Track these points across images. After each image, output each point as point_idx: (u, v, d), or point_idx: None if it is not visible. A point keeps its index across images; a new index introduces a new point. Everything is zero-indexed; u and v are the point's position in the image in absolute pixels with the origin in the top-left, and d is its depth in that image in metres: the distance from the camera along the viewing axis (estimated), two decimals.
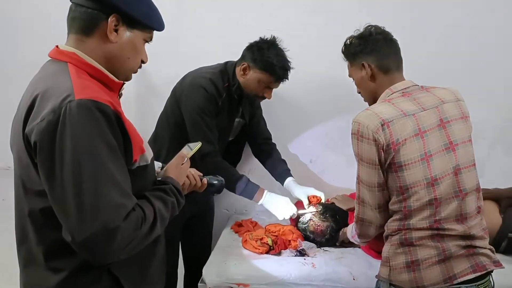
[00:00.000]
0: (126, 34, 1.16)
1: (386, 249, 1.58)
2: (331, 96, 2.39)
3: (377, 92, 1.65)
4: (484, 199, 1.65)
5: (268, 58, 2.05)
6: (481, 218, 1.57)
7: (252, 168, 2.59)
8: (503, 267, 1.52)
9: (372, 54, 1.63)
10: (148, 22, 1.20)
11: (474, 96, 2.31)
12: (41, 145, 1.01)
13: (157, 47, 2.40)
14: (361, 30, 1.69)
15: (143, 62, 1.25)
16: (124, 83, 1.22)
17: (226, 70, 2.17)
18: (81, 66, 1.12)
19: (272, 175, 2.40)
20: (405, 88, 1.61)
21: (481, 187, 1.59)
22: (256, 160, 2.52)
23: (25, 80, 1.19)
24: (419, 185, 1.50)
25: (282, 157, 2.42)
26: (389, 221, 1.58)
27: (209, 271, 1.87)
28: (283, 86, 2.18)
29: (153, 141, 2.26)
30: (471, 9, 2.34)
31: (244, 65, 2.10)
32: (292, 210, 2.12)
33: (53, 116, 1.00)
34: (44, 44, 1.34)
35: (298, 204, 2.27)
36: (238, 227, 2.31)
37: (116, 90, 1.20)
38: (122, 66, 1.19)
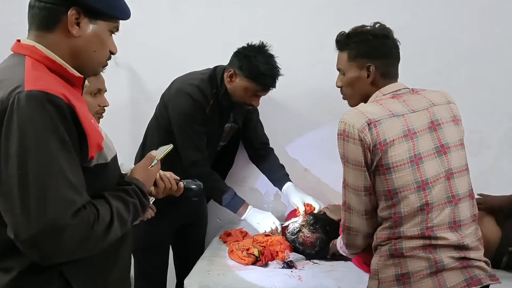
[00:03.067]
0: (89, 27, 1.11)
1: (375, 260, 1.49)
2: (328, 102, 2.29)
3: (370, 95, 1.56)
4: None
5: (255, 66, 1.99)
6: (476, 227, 1.48)
7: (245, 175, 2.52)
8: (500, 282, 1.42)
9: (383, 59, 1.54)
10: (111, 12, 1.15)
11: (479, 102, 2.24)
12: None
13: (152, 51, 2.46)
14: (370, 26, 1.56)
15: (112, 53, 1.21)
16: (84, 78, 1.16)
17: (215, 75, 2.13)
18: (39, 60, 1.08)
19: (270, 181, 2.34)
20: (395, 91, 1.54)
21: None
22: (249, 168, 2.46)
23: None
24: (409, 189, 1.41)
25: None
26: (378, 229, 1.49)
27: (191, 281, 1.82)
28: (277, 91, 2.11)
29: (143, 147, 2.25)
30: (477, 8, 2.25)
31: (231, 72, 2.05)
32: (274, 224, 2.08)
33: (0, 107, 0.96)
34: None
35: (293, 212, 2.21)
36: (227, 236, 2.23)
37: (78, 85, 1.15)
38: (89, 59, 1.15)
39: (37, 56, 1.07)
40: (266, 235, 2.12)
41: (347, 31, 1.58)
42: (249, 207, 2.13)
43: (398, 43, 1.56)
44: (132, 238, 1.30)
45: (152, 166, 1.31)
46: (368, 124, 1.40)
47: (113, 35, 1.20)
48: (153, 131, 2.21)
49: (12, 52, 1.13)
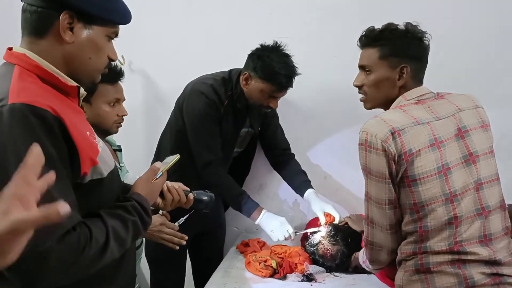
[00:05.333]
0: (83, 32, 1.05)
1: (400, 276, 1.41)
2: (348, 106, 2.22)
3: (394, 99, 1.48)
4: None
5: (269, 66, 1.92)
6: (509, 240, 1.39)
7: (263, 183, 2.45)
8: None
9: (417, 62, 1.45)
10: (108, 16, 1.07)
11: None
12: None
13: (166, 55, 2.42)
14: (404, 25, 1.46)
15: (111, 59, 1.14)
16: (79, 87, 1.09)
17: (229, 78, 2.08)
18: (30, 69, 1.02)
19: (291, 188, 2.26)
20: (420, 96, 1.45)
21: None
22: (267, 175, 2.40)
23: None
24: (437, 202, 1.33)
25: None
26: (402, 244, 1.41)
27: None
28: (295, 95, 2.05)
29: (157, 153, 2.21)
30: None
31: (246, 75, 2.00)
32: (288, 232, 1.99)
33: None
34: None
35: (314, 221, 2.15)
36: (244, 246, 2.16)
37: (73, 94, 1.08)
38: (84, 67, 1.08)
39: (27, 65, 1.02)
40: (284, 245, 2.05)
41: (376, 27, 1.48)
42: (263, 211, 2.05)
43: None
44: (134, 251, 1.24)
45: (156, 178, 1.24)
46: (392, 133, 1.32)
47: (115, 39, 1.13)
48: (166, 139, 2.17)
49: (4, 61, 1.07)
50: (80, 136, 0.99)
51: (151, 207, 1.34)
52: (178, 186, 1.39)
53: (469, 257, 1.31)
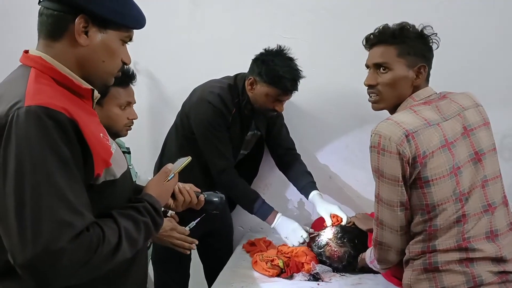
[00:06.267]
0: (98, 36, 1.06)
1: (407, 275, 1.42)
2: (352, 106, 2.23)
3: (404, 99, 1.47)
4: None
5: (273, 71, 1.93)
6: None
7: (268, 183, 2.46)
8: None
9: (430, 62, 1.47)
10: (122, 20, 1.09)
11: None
12: None
13: (170, 55, 2.42)
14: (421, 27, 1.47)
15: (125, 63, 1.15)
16: (93, 90, 1.11)
17: (236, 84, 2.08)
18: (45, 71, 1.03)
19: (296, 188, 2.26)
20: (427, 96, 1.46)
21: None
22: (273, 175, 2.40)
23: None
24: (448, 201, 1.34)
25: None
26: (410, 243, 1.42)
27: None
28: (299, 95, 2.05)
29: (161, 156, 2.23)
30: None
31: (251, 80, 2.00)
32: (302, 237, 2.01)
33: None
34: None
35: (319, 221, 2.15)
36: (250, 246, 2.17)
37: (88, 97, 1.09)
38: (98, 70, 1.09)
39: (43, 67, 1.03)
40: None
41: (391, 25, 1.46)
42: (278, 215, 2.07)
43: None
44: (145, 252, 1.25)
45: (168, 180, 1.25)
46: (406, 136, 1.32)
47: (129, 43, 1.15)
48: (171, 140, 2.18)
49: (20, 64, 1.09)
50: (94, 138, 1.00)
51: (163, 208, 1.36)
52: (189, 187, 1.40)
53: (476, 255, 1.32)
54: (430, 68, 1.48)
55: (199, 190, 1.44)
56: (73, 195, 0.92)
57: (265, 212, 2.07)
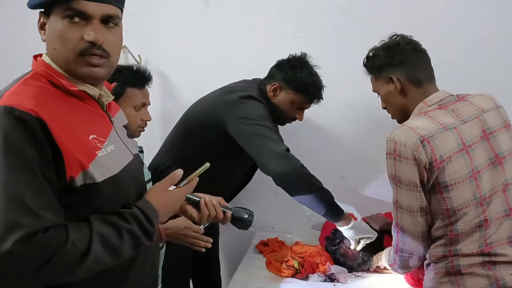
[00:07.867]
0: (48, 24, 1.03)
1: (429, 277, 1.42)
2: (365, 106, 2.23)
3: (408, 107, 1.51)
4: None
5: (302, 78, 1.92)
6: None
7: None
8: None
9: (401, 66, 1.49)
10: None
11: None
12: None
13: (181, 54, 2.41)
14: (386, 40, 1.56)
15: (95, 43, 1.00)
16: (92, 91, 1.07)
17: (261, 90, 1.98)
18: (42, 73, 1.03)
19: None
20: (441, 100, 1.47)
21: None
22: None
23: None
24: (468, 206, 1.34)
25: (311, 173, 2.23)
26: (432, 247, 1.42)
27: None
28: None
29: (167, 151, 2.10)
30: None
31: (275, 86, 1.96)
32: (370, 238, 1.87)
33: None
34: None
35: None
36: (263, 246, 2.16)
37: (86, 97, 1.06)
38: (60, 61, 1.03)
39: (40, 70, 1.03)
40: (304, 245, 2.06)
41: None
42: (352, 220, 1.83)
43: (420, 46, 1.53)
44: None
45: (180, 187, 1.19)
46: (421, 141, 1.33)
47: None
48: (177, 135, 2.08)
49: None
50: (69, 139, 0.95)
51: (189, 218, 1.32)
52: (217, 201, 1.34)
53: (499, 259, 1.32)
54: (408, 68, 1.49)
55: (228, 205, 1.39)
56: (30, 196, 0.90)
57: (340, 211, 1.81)
